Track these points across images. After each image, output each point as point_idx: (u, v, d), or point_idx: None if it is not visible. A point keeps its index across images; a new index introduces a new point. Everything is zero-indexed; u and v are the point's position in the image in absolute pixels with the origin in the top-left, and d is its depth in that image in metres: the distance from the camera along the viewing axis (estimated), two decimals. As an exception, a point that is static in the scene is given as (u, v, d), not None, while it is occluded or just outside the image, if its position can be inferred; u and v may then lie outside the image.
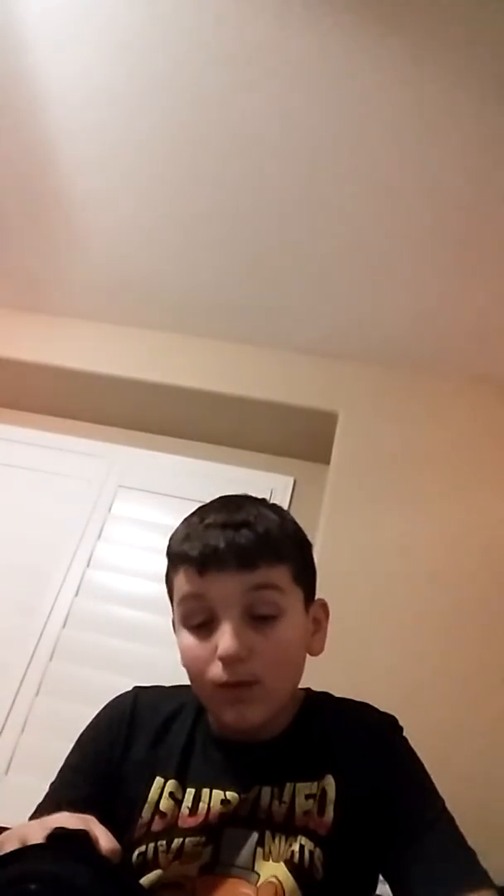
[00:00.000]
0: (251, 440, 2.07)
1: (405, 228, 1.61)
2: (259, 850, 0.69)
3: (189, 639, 0.74)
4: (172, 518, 2.34)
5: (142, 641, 1.72)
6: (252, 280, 1.84)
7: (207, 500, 0.84)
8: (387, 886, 0.69)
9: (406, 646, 1.54)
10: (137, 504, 1.98)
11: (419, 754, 0.80)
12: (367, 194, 1.56)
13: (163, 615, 1.92)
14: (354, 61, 1.33)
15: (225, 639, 0.70)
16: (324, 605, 0.83)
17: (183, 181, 1.63)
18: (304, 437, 2.00)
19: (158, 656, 1.62)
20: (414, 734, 0.82)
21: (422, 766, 0.77)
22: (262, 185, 1.59)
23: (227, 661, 0.70)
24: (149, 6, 1.34)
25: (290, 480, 2.03)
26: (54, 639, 1.74)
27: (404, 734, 0.80)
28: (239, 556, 0.72)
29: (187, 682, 0.88)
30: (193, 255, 1.81)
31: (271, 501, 0.85)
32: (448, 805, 0.75)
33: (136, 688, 0.86)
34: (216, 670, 0.71)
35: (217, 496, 0.84)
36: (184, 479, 2.01)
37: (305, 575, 0.80)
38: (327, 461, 1.86)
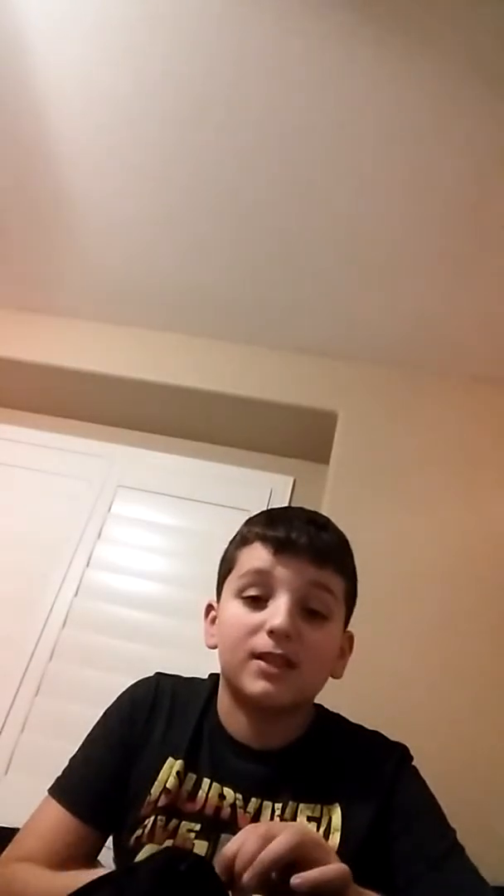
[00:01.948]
0: (251, 440, 2.07)
1: (405, 228, 1.61)
2: None
3: (239, 608, 0.79)
4: (172, 518, 2.34)
5: (142, 641, 1.72)
6: (252, 280, 1.84)
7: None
8: None
9: (407, 646, 1.54)
10: (137, 504, 1.97)
11: (420, 755, 0.80)
12: (368, 194, 1.56)
13: (163, 615, 1.93)
14: (354, 61, 1.33)
15: (280, 614, 0.75)
16: (351, 638, 0.86)
17: (183, 181, 1.63)
18: (304, 437, 2.00)
19: (158, 656, 1.62)
20: (415, 735, 0.82)
21: (432, 796, 0.78)
22: (262, 184, 1.59)
23: (278, 634, 0.74)
24: (149, 6, 1.34)
25: (290, 480, 2.03)
26: (54, 639, 1.74)
27: (414, 763, 0.81)
28: (315, 551, 0.79)
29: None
30: (193, 255, 1.81)
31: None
32: (450, 806, 0.75)
33: (157, 673, 0.90)
34: (261, 640, 0.75)
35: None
36: (184, 479, 2.00)
37: (351, 600, 0.85)
38: (327, 461, 1.86)
